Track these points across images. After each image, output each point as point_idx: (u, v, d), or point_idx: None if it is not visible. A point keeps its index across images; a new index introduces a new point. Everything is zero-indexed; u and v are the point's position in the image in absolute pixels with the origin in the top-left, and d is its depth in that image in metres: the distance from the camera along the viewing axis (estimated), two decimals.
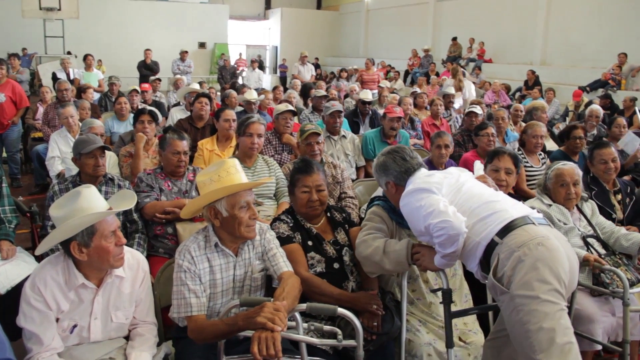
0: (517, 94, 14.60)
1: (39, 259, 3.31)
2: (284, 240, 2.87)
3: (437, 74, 17.37)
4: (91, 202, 2.33)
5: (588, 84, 13.71)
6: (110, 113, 7.84)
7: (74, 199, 2.33)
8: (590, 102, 11.19)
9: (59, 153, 5.82)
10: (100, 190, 3.36)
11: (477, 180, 2.78)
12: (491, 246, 2.39)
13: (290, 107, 5.61)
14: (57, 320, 2.38)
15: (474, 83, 15.37)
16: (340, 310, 2.34)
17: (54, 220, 2.35)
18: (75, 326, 2.42)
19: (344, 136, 6.01)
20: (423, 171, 2.78)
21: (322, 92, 8.39)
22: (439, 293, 3.00)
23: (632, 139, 5.92)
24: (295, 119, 6.19)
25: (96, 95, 9.78)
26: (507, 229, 2.38)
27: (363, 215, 3.53)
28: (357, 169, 6.00)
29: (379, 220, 3.01)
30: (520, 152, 5.61)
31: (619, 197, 4.39)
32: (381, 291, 2.99)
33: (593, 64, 14.77)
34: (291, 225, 3.00)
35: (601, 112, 7.52)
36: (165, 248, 3.70)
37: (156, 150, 4.93)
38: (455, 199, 2.54)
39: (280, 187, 4.25)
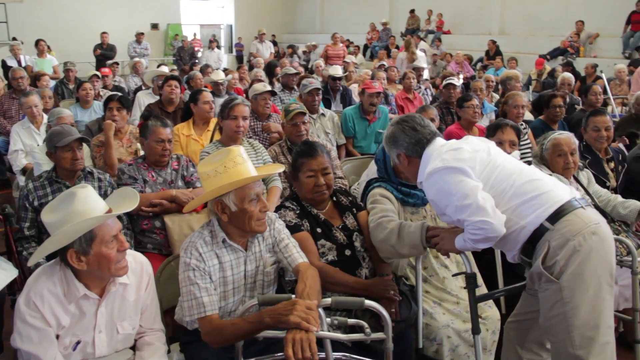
0: (479, 65, 14.64)
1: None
2: (292, 229, 2.68)
3: (397, 47, 17.30)
4: (88, 205, 2.07)
5: (548, 52, 13.84)
6: (69, 101, 7.43)
7: (69, 202, 2.06)
8: (553, 70, 11.27)
9: (22, 146, 5.46)
10: None
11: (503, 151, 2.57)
12: (539, 231, 2.24)
13: (269, 87, 5.37)
14: (58, 337, 2.12)
15: (435, 55, 15.36)
16: (368, 302, 2.18)
17: (47, 226, 2.09)
18: (78, 342, 2.16)
19: (322, 114, 5.83)
20: (439, 141, 2.52)
21: (293, 70, 8.14)
22: (460, 277, 2.90)
23: None
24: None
25: (51, 83, 9.26)
26: (557, 214, 2.23)
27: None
28: (338, 147, 5.82)
29: (387, 201, 2.88)
30: None
31: (612, 165, 4.36)
32: (394, 276, 2.84)
33: (551, 32, 14.90)
34: (297, 212, 2.81)
35: (573, 79, 7.51)
36: (154, 243, 3.46)
37: (131, 138, 4.64)
38: (490, 178, 2.33)
39: None
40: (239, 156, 2.32)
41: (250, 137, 4.97)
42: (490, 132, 3.52)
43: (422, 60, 13.24)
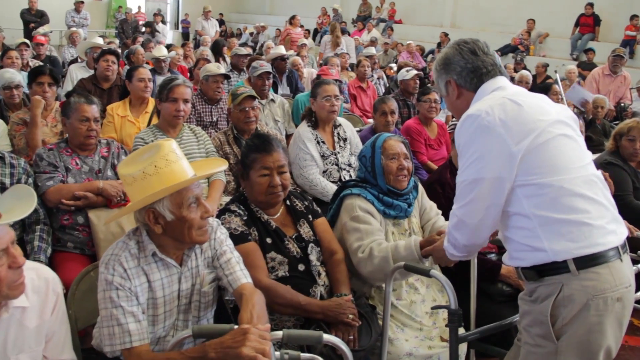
0: (430, 56, 14.49)
1: None
2: (237, 239, 2.27)
3: (348, 34, 17.02)
4: None
5: (499, 48, 13.81)
6: None
7: None
8: (504, 67, 11.19)
9: None
10: None
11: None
12: (557, 267, 1.78)
13: (223, 69, 4.91)
14: None
15: (386, 44, 15.10)
16: (327, 337, 1.81)
17: None
18: None
19: (272, 100, 5.41)
20: (503, 81, 2.01)
21: (244, 51, 7.66)
22: (427, 302, 2.59)
23: (578, 92, 5.78)
24: None
25: None
26: (590, 260, 1.76)
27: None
28: (287, 136, 5.43)
29: (370, 218, 2.53)
30: None
31: None
32: (353, 294, 2.48)
33: (501, 29, 14.92)
34: (245, 218, 2.40)
35: (530, 77, 7.38)
36: (76, 242, 2.98)
37: (57, 117, 4.09)
38: (530, 164, 1.81)
39: None
40: (172, 152, 1.89)
41: (190, 122, 4.54)
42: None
43: (349, 47, 12.86)
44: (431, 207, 2.85)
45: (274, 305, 2.21)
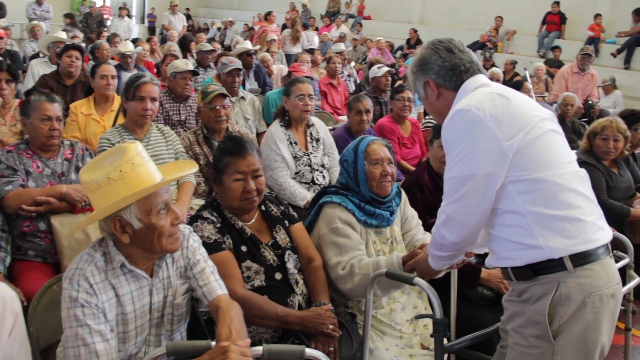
0: (399, 53, 14.49)
1: None
2: (210, 248, 2.15)
3: (317, 29, 16.93)
4: None
5: (467, 45, 13.80)
6: None
7: None
8: None
9: None
10: None
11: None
12: (553, 265, 1.75)
13: (191, 65, 4.75)
14: None
15: (355, 40, 15.04)
16: (310, 352, 1.71)
17: None
18: None
19: (242, 97, 5.28)
20: (483, 79, 1.96)
21: (208, 46, 7.49)
22: (407, 309, 2.52)
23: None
24: None
25: None
26: (585, 257, 1.74)
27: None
28: (258, 135, 5.30)
29: (350, 230, 2.43)
30: None
31: None
32: (332, 303, 2.38)
33: (470, 26, 15.01)
34: (218, 225, 2.28)
35: (501, 74, 7.40)
36: (37, 249, 2.82)
37: (16, 116, 3.90)
38: (526, 157, 1.78)
39: None
40: (138, 156, 1.76)
41: (158, 121, 4.38)
42: (435, 134, 3.14)
43: (311, 41, 12.74)
44: (412, 215, 2.76)
45: (251, 317, 2.10)
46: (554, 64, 11.76)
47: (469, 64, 1.96)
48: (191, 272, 1.96)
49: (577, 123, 6.56)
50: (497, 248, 1.89)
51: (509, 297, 1.94)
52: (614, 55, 11.74)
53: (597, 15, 12.24)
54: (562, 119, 6.39)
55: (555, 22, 13.17)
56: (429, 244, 2.08)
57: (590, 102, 7.47)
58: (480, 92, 1.87)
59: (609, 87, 8.95)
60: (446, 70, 1.96)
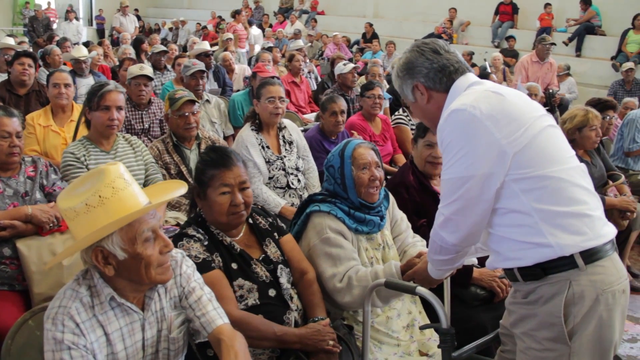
0: (355, 47, 14.45)
1: None
2: (199, 268, 1.99)
3: (271, 26, 16.76)
4: None
5: (423, 37, 13.93)
6: None
7: None
8: None
9: None
10: None
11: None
12: (564, 263, 1.70)
13: (147, 70, 4.55)
14: None
15: (310, 35, 14.93)
16: None
17: None
18: None
19: (207, 101, 5.12)
20: (474, 77, 1.89)
21: (160, 47, 7.26)
22: (402, 316, 2.44)
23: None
24: None
25: None
26: (595, 253, 1.70)
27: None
28: (225, 139, 5.14)
29: (341, 239, 2.32)
30: (405, 114, 5.23)
31: None
32: (328, 316, 2.28)
33: (424, 18, 15.14)
34: (206, 243, 2.13)
35: None
36: (3, 277, 2.60)
37: None
38: (525, 157, 1.71)
39: (151, 174, 3.32)
40: (119, 179, 1.61)
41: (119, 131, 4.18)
42: (420, 133, 3.05)
43: (256, 38, 12.60)
44: (402, 218, 2.68)
45: (247, 339, 1.96)
46: (509, 53, 11.95)
47: (457, 64, 1.90)
48: (186, 301, 1.81)
49: None
50: (501, 249, 1.82)
51: (514, 300, 1.88)
52: (566, 44, 11.96)
53: (547, 5, 12.46)
54: None
55: (507, 12, 13.36)
56: (427, 250, 2.01)
57: (550, 90, 7.57)
58: (474, 91, 1.82)
59: (564, 75, 9.12)
60: (435, 72, 1.89)
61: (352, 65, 6.00)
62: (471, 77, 1.89)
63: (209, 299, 1.83)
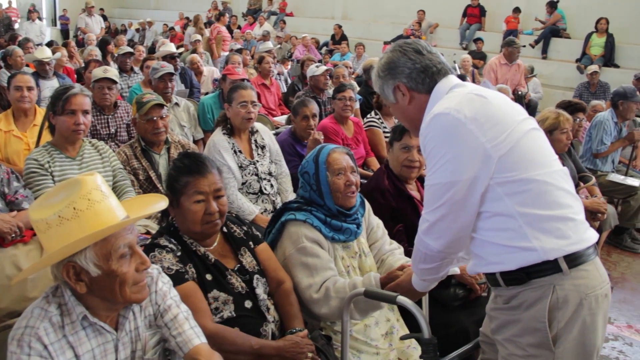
0: (324, 49, 14.44)
1: None
2: (172, 280, 1.90)
3: (239, 27, 16.63)
4: None
5: (391, 39, 13.99)
6: None
7: None
8: None
9: None
10: None
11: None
12: (547, 267, 1.67)
13: (111, 72, 4.42)
14: None
15: (279, 37, 14.86)
16: None
17: None
18: None
19: (177, 104, 5.00)
20: (456, 79, 1.86)
21: (126, 49, 7.11)
22: (381, 324, 2.39)
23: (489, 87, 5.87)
24: None
25: None
26: (578, 257, 1.68)
27: None
28: (195, 142, 5.04)
29: (318, 249, 2.27)
30: (377, 117, 5.19)
31: None
32: (306, 327, 2.22)
33: (393, 20, 15.20)
34: (179, 254, 2.05)
35: None
36: None
37: None
38: (510, 160, 1.69)
39: (119, 180, 3.21)
40: (96, 190, 1.52)
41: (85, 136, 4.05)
42: (396, 136, 3.01)
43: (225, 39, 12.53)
44: (378, 225, 2.63)
45: (223, 353, 1.89)
46: (477, 55, 12.05)
47: (439, 65, 1.86)
48: (162, 320, 1.72)
49: None
50: (484, 253, 1.79)
51: (495, 306, 1.85)
52: (532, 46, 12.14)
53: (516, 9, 12.62)
54: None
55: (475, 14, 13.51)
56: (411, 259, 1.96)
57: (519, 92, 7.65)
58: (457, 94, 1.78)
59: (529, 76, 9.25)
60: (417, 72, 1.84)
61: (324, 67, 5.95)
62: (453, 79, 1.86)
63: (186, 317, 1.74)
